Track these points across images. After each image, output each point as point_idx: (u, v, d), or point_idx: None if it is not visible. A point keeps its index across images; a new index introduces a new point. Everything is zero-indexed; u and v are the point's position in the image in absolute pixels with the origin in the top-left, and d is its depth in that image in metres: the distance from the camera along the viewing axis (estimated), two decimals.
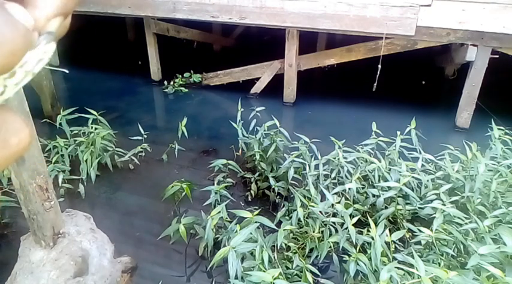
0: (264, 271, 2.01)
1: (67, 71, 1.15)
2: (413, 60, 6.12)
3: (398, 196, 2.66)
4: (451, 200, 2.61)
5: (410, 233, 2.60)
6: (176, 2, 4.98)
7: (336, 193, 2.62)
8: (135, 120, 4.66)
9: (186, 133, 3.63)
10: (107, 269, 2.35)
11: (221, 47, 7.64)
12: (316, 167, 2.98)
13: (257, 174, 3.37)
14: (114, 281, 2.36)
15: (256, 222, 2.22)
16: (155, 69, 6.03)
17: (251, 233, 2.17)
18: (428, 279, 1.77)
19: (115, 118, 4.76)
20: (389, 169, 2.90)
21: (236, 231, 2.22)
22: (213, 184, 2.99)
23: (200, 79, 5.87)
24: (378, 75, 4.30)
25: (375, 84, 4.34)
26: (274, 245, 2.38)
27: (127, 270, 2.51)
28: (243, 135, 3.64)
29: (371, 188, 2.79)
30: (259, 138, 3.44)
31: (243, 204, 3.25)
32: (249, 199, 3.29)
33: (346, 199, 2.71)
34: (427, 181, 2.88)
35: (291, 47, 4.93)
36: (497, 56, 4.14)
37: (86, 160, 3.37)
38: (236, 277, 2.05)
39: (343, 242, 2.35)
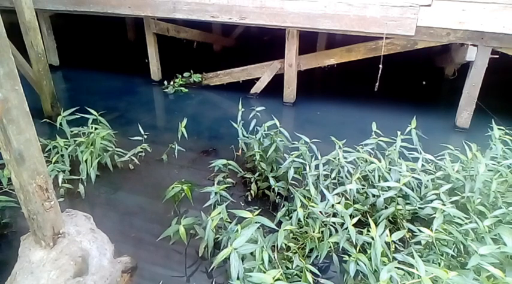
0: (264, 272, 2.00)
1: None
2: (413, 60, 6.12)
3: (399, 196, 2.66)
4: (451, 200, 2.61)
5: (410, 233, 2.60)
6: (176, 2, 4.98)
7: (336, 194, 2.62)
8: (135, 120, 4.67)
9: (186, 135, 3.63)
10: (107, 269, 2.35)
11: (221, 47, 7.64)
12: (316, 167, 2.98)
13: (257, 174, 3.37)
14: (114, 281, 2.36)
15: (256, 222, 2.22)
16: (155, 69, 6.03)
17: (252, 233, 2.17)
18: (428, 279, 1.76)
19: (115, 118, 4.76)
20: (390, 169, 2.90)
21: (236, 231, 2.22)
22: (213, 184, 2.99)
23: (200, 79, 5.87)
24: (379, 75, 4.29)
25: (377, 84, 4.33)
26: (274, 245, 2.38)
27: (127, 270, 2.51)
28: (243, 135, 3.64)
29: (371, 188, 2.79)
30: (259, 138, 3.44)
31: (243, 204, 3.25)
32: (249, 199, 3.29)
33: (346, 199, 2.71)
34: (427, 181, 2.88)
35: (291, 47, 4.93)
36: (497, 56, 4.14)
37: (86, 160, 3.37)
38: (237, 278, 2.05)
39: (343, 243, 2.35)
